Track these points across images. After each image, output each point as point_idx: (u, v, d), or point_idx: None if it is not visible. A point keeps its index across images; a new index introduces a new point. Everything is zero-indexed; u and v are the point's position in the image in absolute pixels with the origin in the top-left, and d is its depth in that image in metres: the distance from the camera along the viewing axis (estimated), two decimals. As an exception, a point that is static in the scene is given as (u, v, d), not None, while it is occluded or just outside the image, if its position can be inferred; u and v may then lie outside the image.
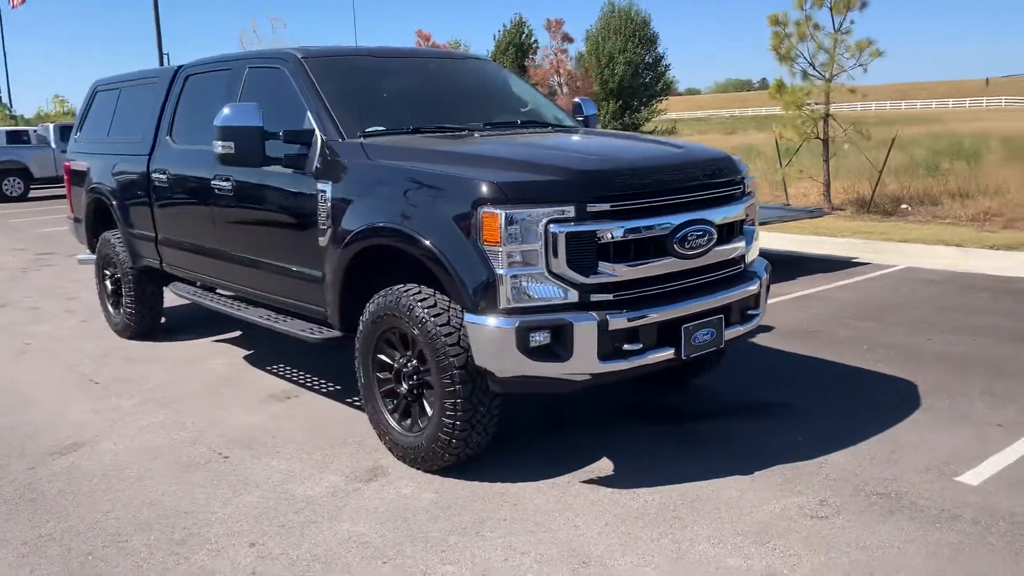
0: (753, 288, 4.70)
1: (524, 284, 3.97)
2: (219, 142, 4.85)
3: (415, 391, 4.45)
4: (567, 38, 34.52)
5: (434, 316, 4.19)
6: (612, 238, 4.04)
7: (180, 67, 6.67)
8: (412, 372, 4.42)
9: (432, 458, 4.36)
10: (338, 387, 5.96)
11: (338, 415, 5.40)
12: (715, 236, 4.40)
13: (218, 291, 6.51)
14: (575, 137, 5.23)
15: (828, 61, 13.72)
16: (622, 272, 4.08)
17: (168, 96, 6.63)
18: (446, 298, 4.25)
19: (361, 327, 4.64)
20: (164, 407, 5.70)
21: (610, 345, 4.03)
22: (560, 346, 3.98)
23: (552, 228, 3.93)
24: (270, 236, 5.37)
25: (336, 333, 5.00)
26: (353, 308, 4.82)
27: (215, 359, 6.84)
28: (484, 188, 3.98)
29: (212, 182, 5.72)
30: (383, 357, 4.61)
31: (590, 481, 4.30)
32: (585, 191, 4.01)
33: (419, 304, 4.25)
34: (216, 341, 7.43)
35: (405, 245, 4.29)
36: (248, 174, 5.35)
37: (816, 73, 14.00)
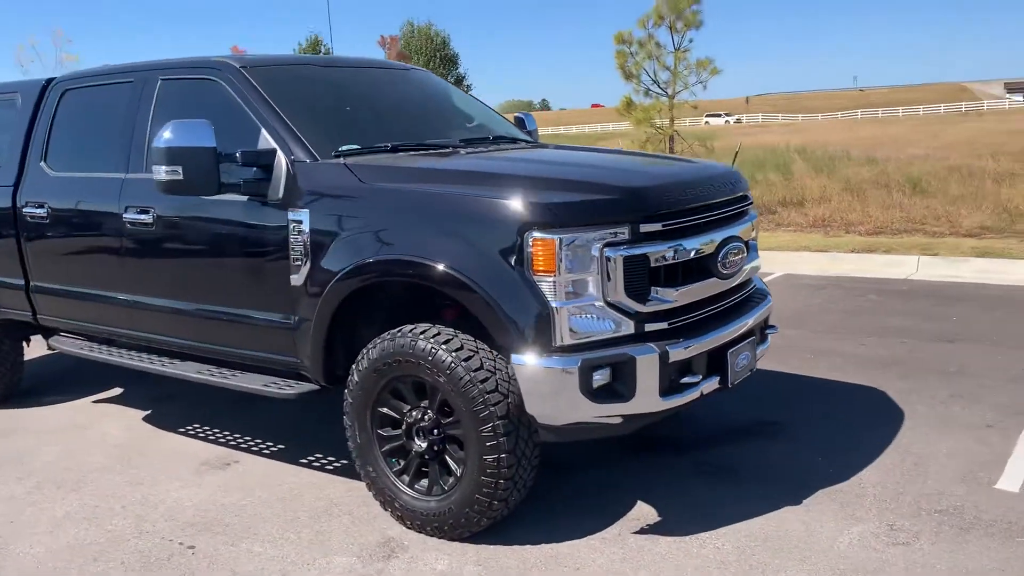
0: (770, 304, 4.50)
1: (580, 317, 3.52)
2: (163, 167, 4.01)
3: (435, 448, 3.84)
4: (403, 56, 34.10)
5: (464, 360, 3.63)
6: (664, 260, 3.67)
7: (52, 80, 5.60)
8: (431, 426, 3.82)
9: (464, 524, 3.77)
10: (280, 447, 5.17)
11: (302, 481, 4.64)
12: (745, 253, 4.15)
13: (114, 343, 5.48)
14: (577, 153, 4.83)
15: (671, 79, 14.09)
16: (675, 297, 3.72)
17: (37, 115, 5.53)
18: (471, 338, 3.71)
19: (356, 377, 3.97)
20: (73, 490, 4.68)
21: (668, 379, 3.65)
22: (622, 384, 3.56)
23: (607, 252, 3.51)
24: (213, 277, 4.54)
25: (313, 386, 4.29)
26: (335, 356, 4.16)
27: (107, 424, 5.77)
28: (533, 211, 3.49)
29: (123, 216, 4.78)
30: (386, 411, 3.97)
31: (642, 531, 3.89)
32: (638, 210, 3.63)
33: (443, 347, 3.67)
34: (97, 402, 6.31)
35: (427, 280, 3.70)
36: (179, 205, 4.51)
37: (659, 91, 14.37)
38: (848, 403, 5.46)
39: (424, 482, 3.93)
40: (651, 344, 3.60)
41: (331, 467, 4.79)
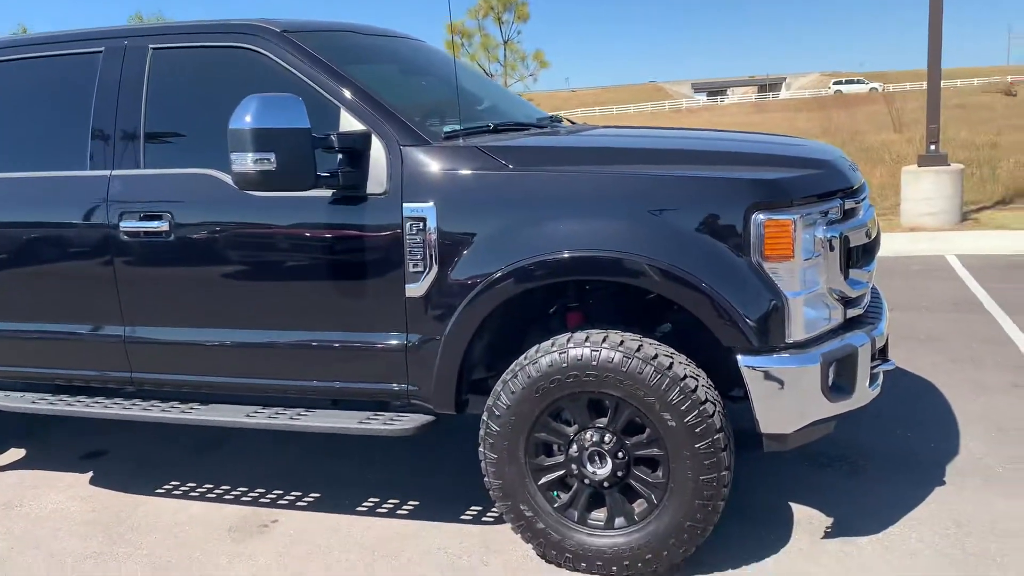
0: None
1: (810, 307, 3.17)
2: (249, 155, 3.09)
3: (618, 473, 3.29)
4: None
5: (666, 368, 3.13)
6: (856, 241, 3.39)
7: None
8: (615, 448, 3.26)
9: (665, 557, 3.25)
10: (315, 495, 4.28)
11: (386, 533, 3.85)
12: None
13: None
14: (677, 131, 4.41)
15: (503, 71, 13.90)
16: (866, 279, 3.47)
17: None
18: (656, 342, 3.22)
19: (504, 400, 3.31)
20: (78, 590, 3.56)
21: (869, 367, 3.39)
22: (846, 378, 3.24)
23: (829, 232, 3.18)
24: (274, 295, 3.60)
25: (429, 418, 3.54)
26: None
27: (47, 497, 4.47)
28: (762, 188, 3.08)
29: (119, 225, 3.69)
30: (544, 436, 3.35)
31: (828, 536, 3.58)
32: (843, 186, 3.36)
33: (637, 355, 3.14)
34: (3, 470, 4.92)
35: (632, 279, 3.15)
36: (216, 207, 3.56)
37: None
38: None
39: (598, 514, 3.36)
40: (861, 332, 3.32)
41: (405, 512, 4.03)
